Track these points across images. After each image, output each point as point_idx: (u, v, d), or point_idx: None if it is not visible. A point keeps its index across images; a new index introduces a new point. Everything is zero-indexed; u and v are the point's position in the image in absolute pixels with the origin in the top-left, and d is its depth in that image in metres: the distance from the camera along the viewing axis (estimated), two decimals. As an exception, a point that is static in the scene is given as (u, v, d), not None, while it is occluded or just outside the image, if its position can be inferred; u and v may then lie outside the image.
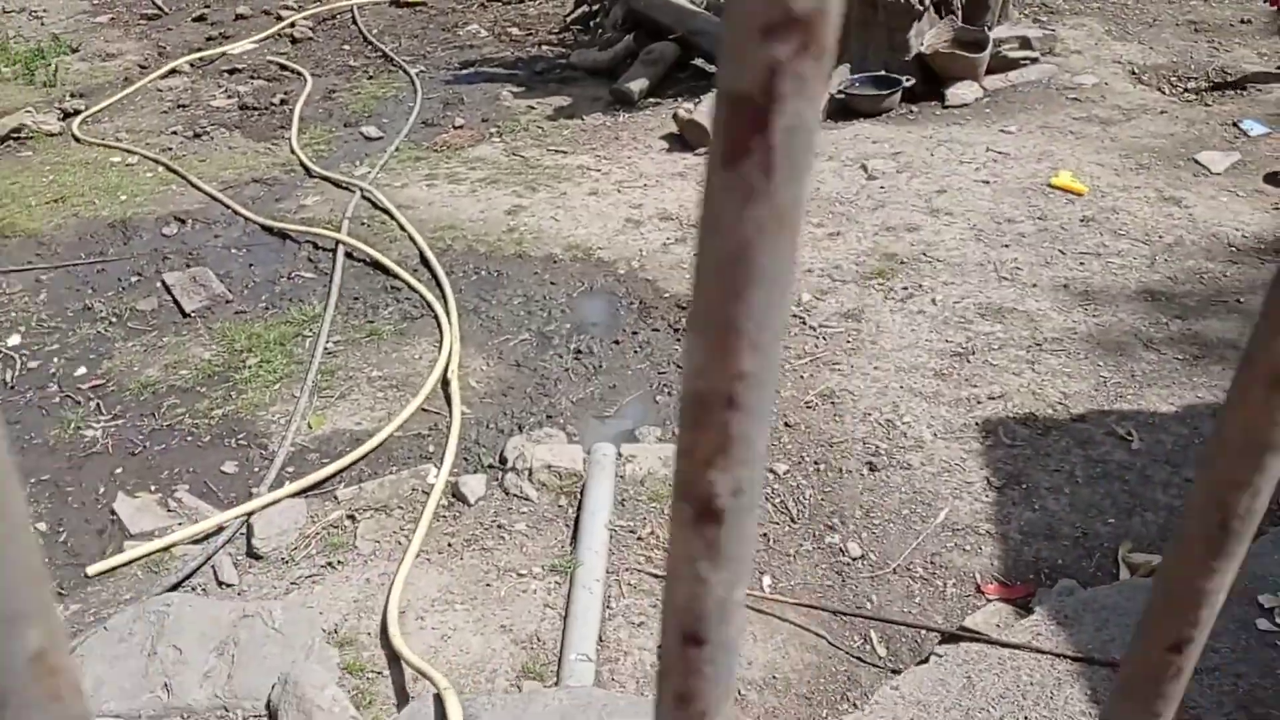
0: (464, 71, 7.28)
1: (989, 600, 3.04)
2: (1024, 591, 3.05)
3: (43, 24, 8.77)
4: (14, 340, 4.45)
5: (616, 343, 4.29)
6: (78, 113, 6.76)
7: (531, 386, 4.06)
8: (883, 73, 6.02)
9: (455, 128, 6.31)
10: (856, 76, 6.08)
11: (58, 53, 7.90)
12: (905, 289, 4.45)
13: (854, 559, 3.24)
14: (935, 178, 5.27)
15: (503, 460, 3.63)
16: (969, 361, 3.98)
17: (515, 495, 3.49)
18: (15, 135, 6.39)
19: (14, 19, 8.85)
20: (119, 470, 3.72)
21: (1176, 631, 0.40)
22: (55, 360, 4.31)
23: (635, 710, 2.61)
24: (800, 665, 2.92)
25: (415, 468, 3.64)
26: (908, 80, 5.93)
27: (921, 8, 5.88)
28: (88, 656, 2.73)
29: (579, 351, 4.23)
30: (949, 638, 2.92)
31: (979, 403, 3.77)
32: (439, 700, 2.56)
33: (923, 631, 2.99)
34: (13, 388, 4.15)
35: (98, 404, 4.06)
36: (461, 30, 8.20)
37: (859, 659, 2.94)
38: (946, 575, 3.15)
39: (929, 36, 5.99)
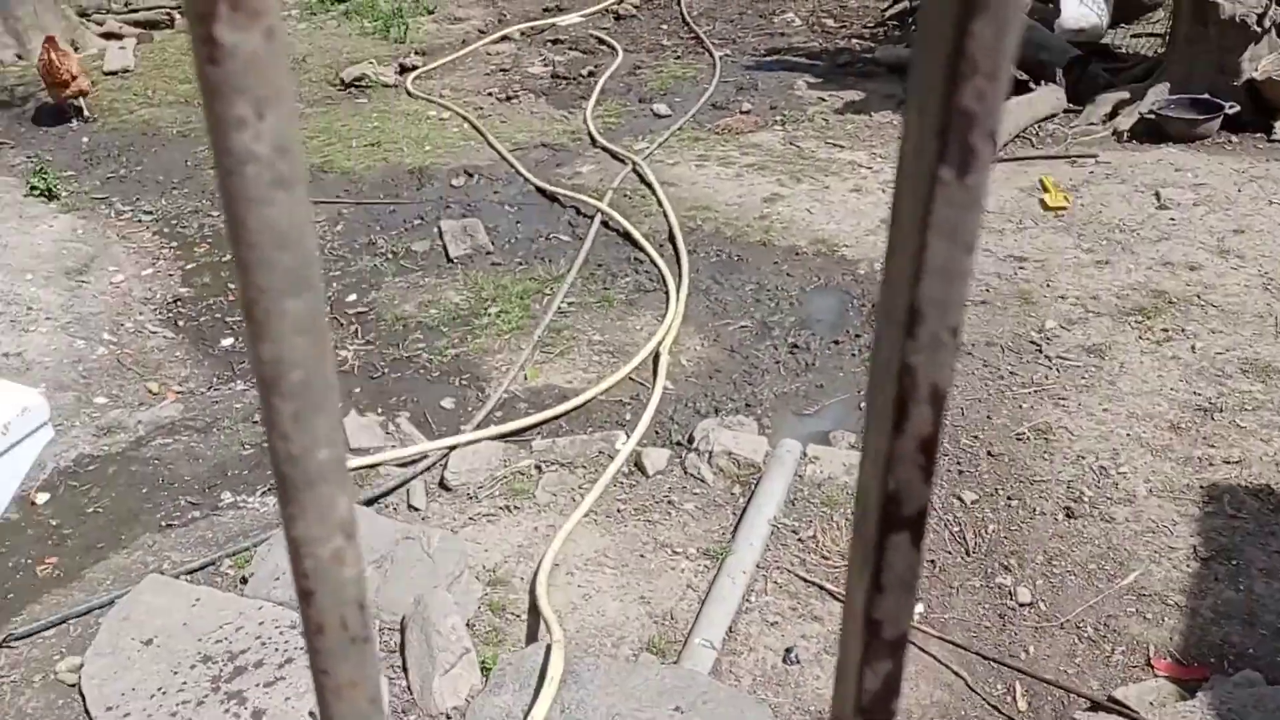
0: (767, 58, 7.32)
1: (1155, 676, 2.76)
2: (1198, 674, 2.74)
3: (409, -14, 9.65)
4: (305, 262, 4.98)
5: (836, 342, 4.22)
6: (414, 68, 7.42)
7: (739, 373, 4.08)
8: (1205, 96, 5.48)
9: (742, 113, 6.38)
10: (1174, 98, 5.57)
11: (415, 14, 8.68)
12: (1165, 331, 4.06)
13: (1021, 605, 3.04)
14: (1235, 215, 4.75)
15: (690, 440, 3.69)
16: (1213, 419, 3.58)
17: (692, 475, 3.54)
18: (357, 83, 7.11)
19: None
20: (357, 390, 4.10)
21: None
22: (334, 285, 4.79)
23: (733, 704, 2.60)
24: (928, 701, 2.79)
25: (608, 432, 3.76)
26: (1231, 106, 5.36)
27: (1260, 30, 5.28)
28: (274, 547, 3.06)
29: (795, 346, 4.19)
30: (1095, 706, 2.68)
31: (1211, 465, 3.40)
32: (549, 651, 2.67)
33: (1071, 695, 2.76)
34: (293, 304, 4.65)
35: (356, 329, 4.49)
36: (777, 18, 8.24)
37: (994, 708, 2.77)
38: (1117, 641, 2.88)
39: (1265, 62, 5.38)
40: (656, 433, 3.79)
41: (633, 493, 3.50)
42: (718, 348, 4.24)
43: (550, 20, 8.45)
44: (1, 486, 1.54)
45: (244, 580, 3.03)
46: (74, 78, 6.29)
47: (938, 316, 0.31)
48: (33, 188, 5.58)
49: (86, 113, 6.57)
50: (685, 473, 3.56)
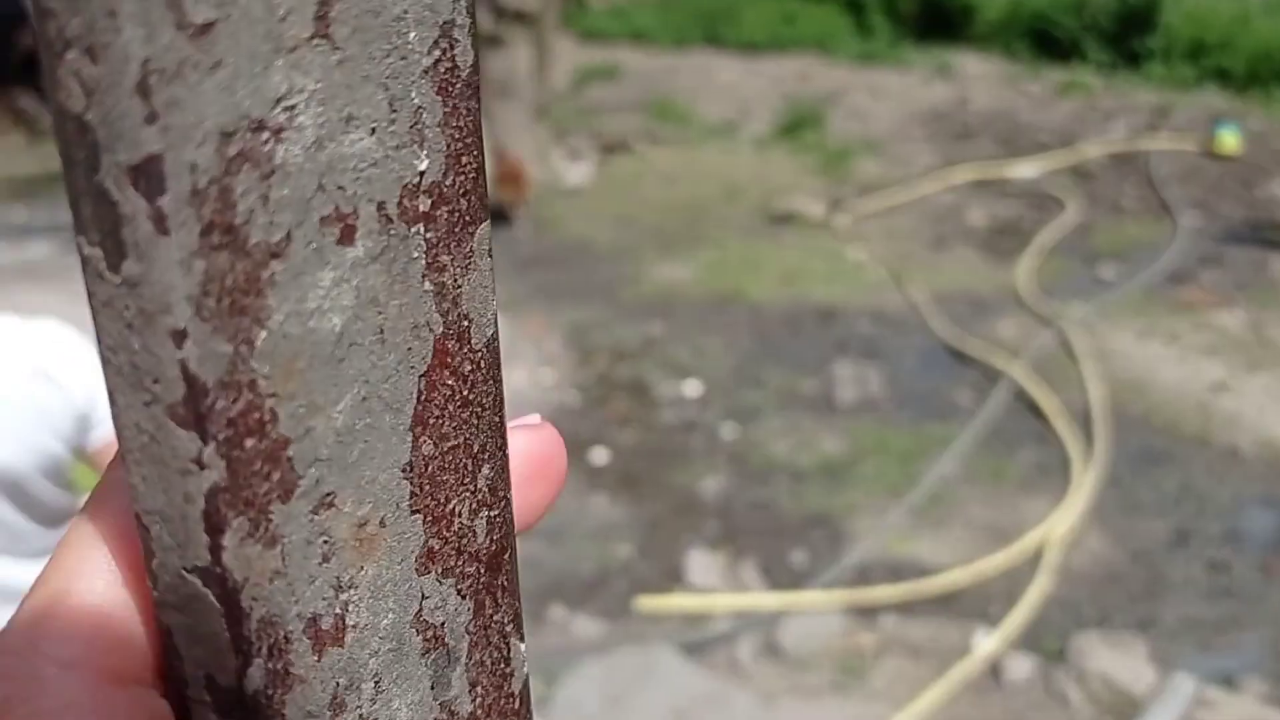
0: (1240, 230, 6.46)
1: None
2: None
3: (865, 127, 9.74)
4: (692, 386, 5.00)
5: (1267, 569, 3.46)
6: (846, 207, 7.38)
7: (1139, 584, 3.45)
8: None
9: (1199, 287, 5.63)
10: None
11: (861, 153, 8.71)
12: None
13: None
14: None
15: (1062, 652, 3.15)
16: None
17: (1056, 695, 3.00)
18: (786, 216, 7.19)
19: (840, 123, 9.95)
20: (712, 523, 3.97)
21: None
22: (710, 415, 4.74)
23: None
24: None
25: (968, 624, 3.32)
26: None
27: None
28: (578, 678, 2.96)
29: (1215, 563, 3.49)
30: None
31: None
32: None
33: None
34: (675, 428, 4.65)
35: (723, 461, 4.38)
36: (1258, 188, 7.29)
37: None
38: None
39: None
40: (1024, 636, 3.28)
41: (980, 701, 3.03)
42: (1119, 550, 3.63)
43: (1002, 170, 8.09)
44: None
45: (544, 702, 2.95)
46: (524, 183, 6.80)
47: None
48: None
49: (520, 220, 7.08)
50: (1047, 690, 3.03)
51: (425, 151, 0.27)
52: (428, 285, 0.28)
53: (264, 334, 0.24)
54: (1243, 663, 3.10)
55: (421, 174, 0.27)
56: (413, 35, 0.26)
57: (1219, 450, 4.11)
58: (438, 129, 0.27)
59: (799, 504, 4.06)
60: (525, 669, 0.34)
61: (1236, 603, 3.33)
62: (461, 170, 0.28)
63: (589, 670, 2.92)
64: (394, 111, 0.26)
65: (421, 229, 0.27)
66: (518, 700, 0.34)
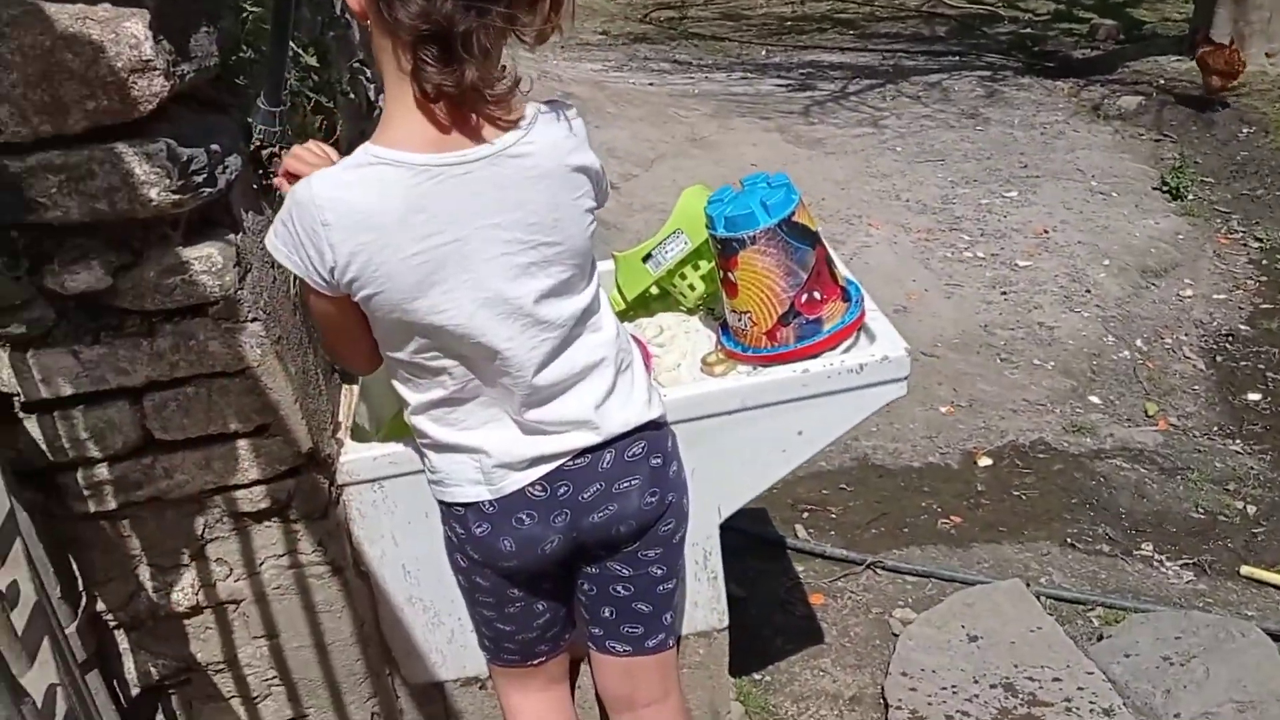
0: None
1: None
2: None
3: None
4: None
5: None
6: None
7: None
8: None
9: None
10: None
11: None
12: None
13: None
14: None
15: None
16: None
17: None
18: None
19: None
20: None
21: None
22: None
23: None
24: None
25: None
26: None
27: None
28: (1153, 623, 2.70)
29: None
30: None
31: None
32: None
33: None
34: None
35: None
36: None
37: None
38: None
39: None
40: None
41: None
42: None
43: None
44: (836, 422, 1.67)
45: (1099, 638, 2.76)
46: (1237, 73, 6.55)
47: None
48: (1164, 183, 5.93)
49: (1224, 118, 6.65)
50: None
51: None
52: None
53: None
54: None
55: None
56: None
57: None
58: None
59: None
60: None
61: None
62: None
63: (1159, 622, 2.71)
64: None
65: None
66: None
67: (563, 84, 6.77)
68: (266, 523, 1.68)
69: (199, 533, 1.66)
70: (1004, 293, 4.94)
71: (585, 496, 1.55)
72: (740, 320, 1.90)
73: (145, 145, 1.40)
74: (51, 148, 1.39)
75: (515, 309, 1.43)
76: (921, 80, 8.51)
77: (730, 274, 1.87)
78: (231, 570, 1.70)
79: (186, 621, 1.73)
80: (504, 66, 1.34)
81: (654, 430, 1.60)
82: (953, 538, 3.30)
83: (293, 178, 1.48)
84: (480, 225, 1.38)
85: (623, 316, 2.17)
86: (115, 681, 1.74)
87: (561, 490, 1.54)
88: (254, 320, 1.54)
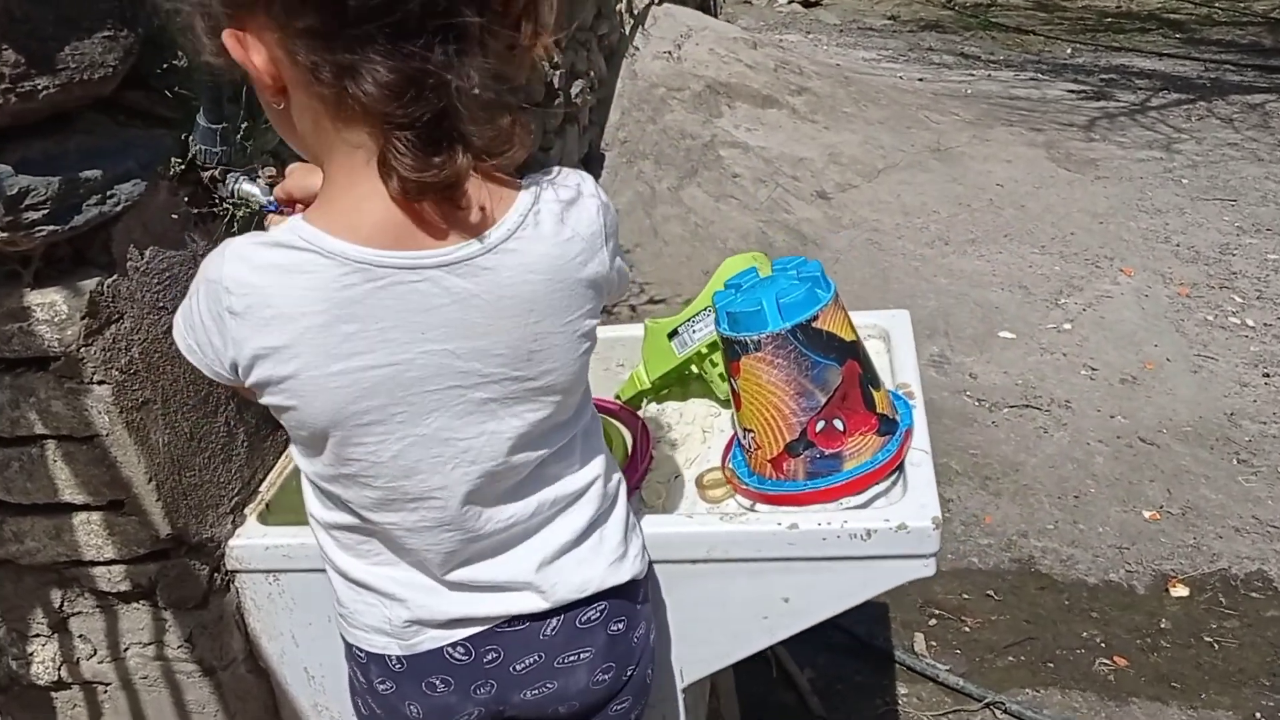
0: None
1: None
2: None
3: None
4: None
5: None
6: None
7: None
8: None
9: None
10: None
11: None
12: None
13: None
14: None
15: None
16: None
17: None
18: None
19: None
20: None
21: None
22: None
23: None
24: None
25: None
26: None
27: None
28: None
29: None
30: None
31: None
32: None
33: None
34: None
35: None
36: None
37: None
38: None
39: None
40: None
41: None
42: None
43: None
44: (833, 595, 1.37)
45: None
46: None
47: None
48: None
49: None
50: None
51: None
52: None
53: None
54: None
55: None
56: None
57: None
58: None
59: None
60: None
61: None
62: None
63: None
64: None
65: None
66: None
67: (801, 76, 6.31)
68: (135, 604, 1.46)
69: (57, 605, 1.46)
70: (1266, 375, 4.11)
71: (518, 669, 1.21)
72: (746, 439, 1.49)
73: (-37, 173, 1.18)
74: (-126, 165, 1.19)
75: (458, 452, 1.08)
76: (1241, 100, 7.40)
77: (734, 381, 1.46)
78: (95, 650, 1.49)
79: (54, 694, 1.54)
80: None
81: (622, 592, 1.24)
82: (1109, 685, 2.69)
83: (290, 206, 1.22)
84: (427, 349, 1.02)
85: (644, 396, 1.81)
86: (-16, 741, 1.58)
87: (489, 657, 1.20)
88: (100, 383, 1.30)
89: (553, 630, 1.20)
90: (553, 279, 1.03)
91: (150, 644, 1.47)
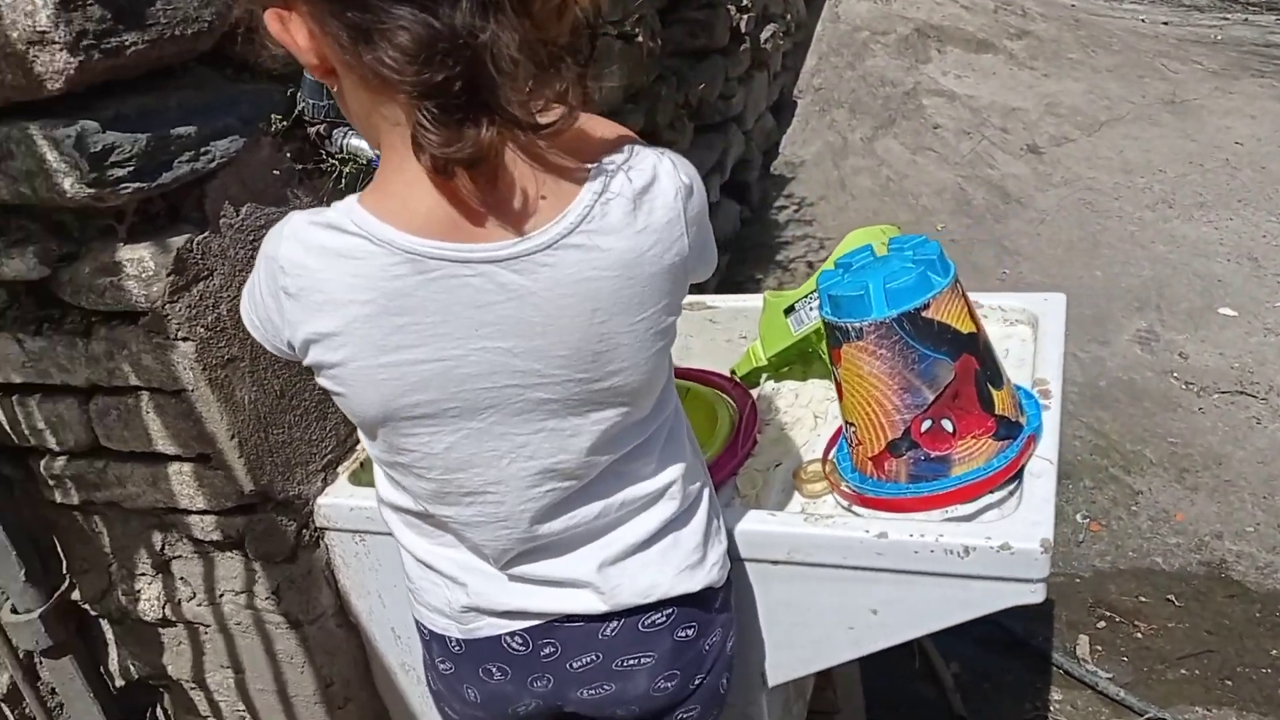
0: None
1: None
2: None
3: None
4: None
5: None
6: None
7: None
8: None
9: None
10: None
11: None
12: None
13: None
14: None
15: None
16: None
17: None
18: None
19: None
20: None
21: None
22: None
23: None
24: None
25: None
26: None
27: None
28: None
29: None
30: None
31: None
32: None
33: None
34: None
35: None
36: None
37: None
38: None
39: None
40: None
41: None
42: None
43: None
44: (929, 614, 1.31)
45: None
46: None
47: None
48: None
49: None
50: None
51: None
52: None
53: None
54: None
55: None
56: None
57: None
58: None
59: None
60: None
61: None
62: None
63: None
64: None
65: None
66: None
67: (1024, 19, 5.86)
68: (228, 553, 1.49)
69: (159, 548, 1.51)
70: None
71: (575, 666, 1.15)
72: (849, 431, 1.37)
73: (54, 129, 1.20)
74: (-24, 119, 1.23)
75: (514, 447, 1.01)
76: None
77: (836, 370, 1.34)
78: (195, 594, 1.53)
79: (161, 630, 1.60)
80: (556, 99, 0.88)
81: (694, 599, 1.16)
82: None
83: None
84: (481, 346, 0.95)
85: (761, 373, 1.70)
86: (102, 670, 1.67)
87: (546, 650, 1.15)
88: (185, 339, 1.31)
89: (612, 631, 1.13)
90: (622, 275, 0.93)
91: (242, 592, 1.50)
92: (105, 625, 1.64)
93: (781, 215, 4.37)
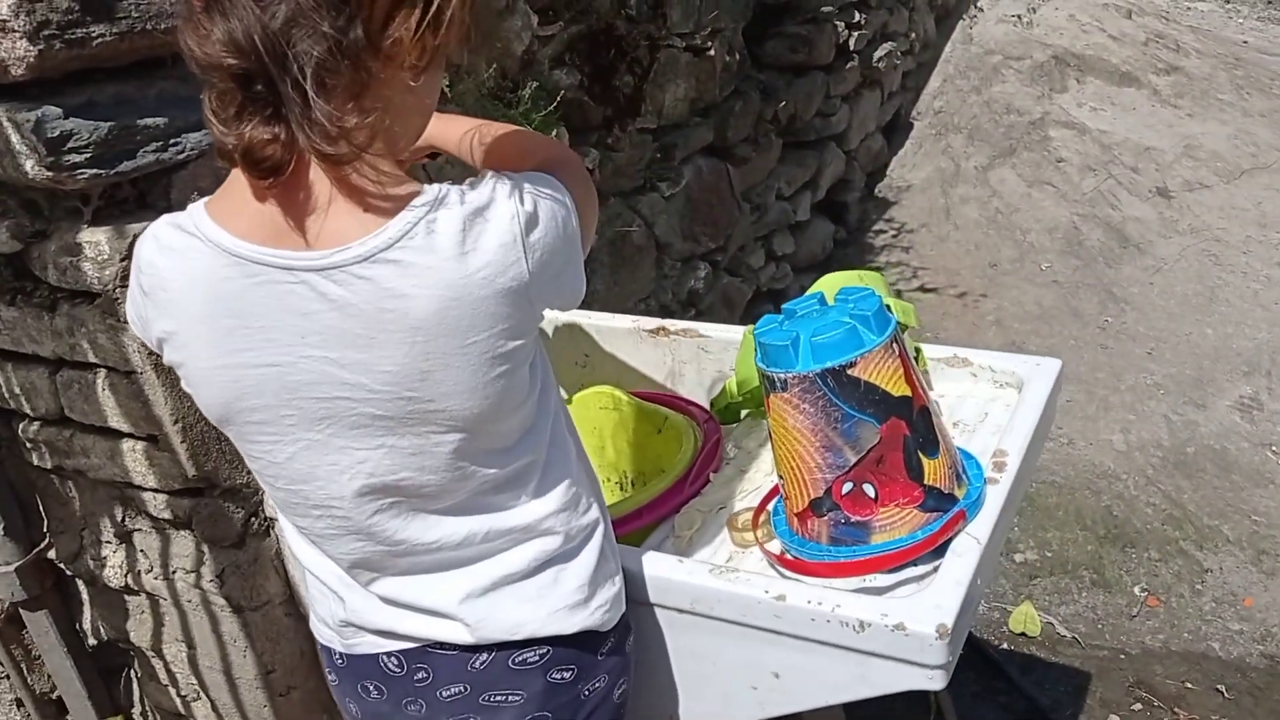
0: None
1: None
2: None
3: None
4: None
5: None
6: None
7: None
8: None
9: None
10: None
11: None
12: None
13: None
14: None
15: None
16: None
17: None
18: None
19: None
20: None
21: None
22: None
23: None
24: None
25: None
26: None
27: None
28: None
29: None
30: None
31: None
32: None
33: None
34: None
35: None
36: None
37: None
38: None
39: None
40: None
41: None
42: None
43: None
44: (827, 684, 1.26)
45: None
46: None
47: None
48: None
49: None
50: None
51: None
52: None
53: None
54: None
55: None
56: None
57: None
58: None
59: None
60: None
61: None
62: None
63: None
64: None
65: None
66: None
67: (1176, 53, 5.53)
68: (181, 531, 1.53)
69: (120, 518, 1.56)
70: None
71: (444, 695, 1.13)
72: (781, 484, 1.31)
73: (16, 112, 1.25)
74: (-45, 97, 1.30)
75: (354, 463, 1.00)
76: None
77: (768, 419, 1.28)
78: (152, 567, 1.58)
79: (126, 598, 1.66)
80: (361, 119, 0.88)
81: (574, 640, 1.13)
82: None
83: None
84: (308, 354, 0.94)
85: (741, 409, 1.65)
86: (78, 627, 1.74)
87: (419, 675, 1.14)
88: (134, 324, 1.35)
89: (482, 664, 1.11)
90: (445, 295, 0.92)
91: (191, 571, 1.54)
92: (80, 585, 1.70)
93: (879, 240, 4.25)
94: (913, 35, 4.60)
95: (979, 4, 5.35)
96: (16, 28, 1.20)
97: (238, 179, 0.94)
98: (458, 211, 0.92)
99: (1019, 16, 5.36)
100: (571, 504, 1.11)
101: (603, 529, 1.16)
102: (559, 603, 1.11)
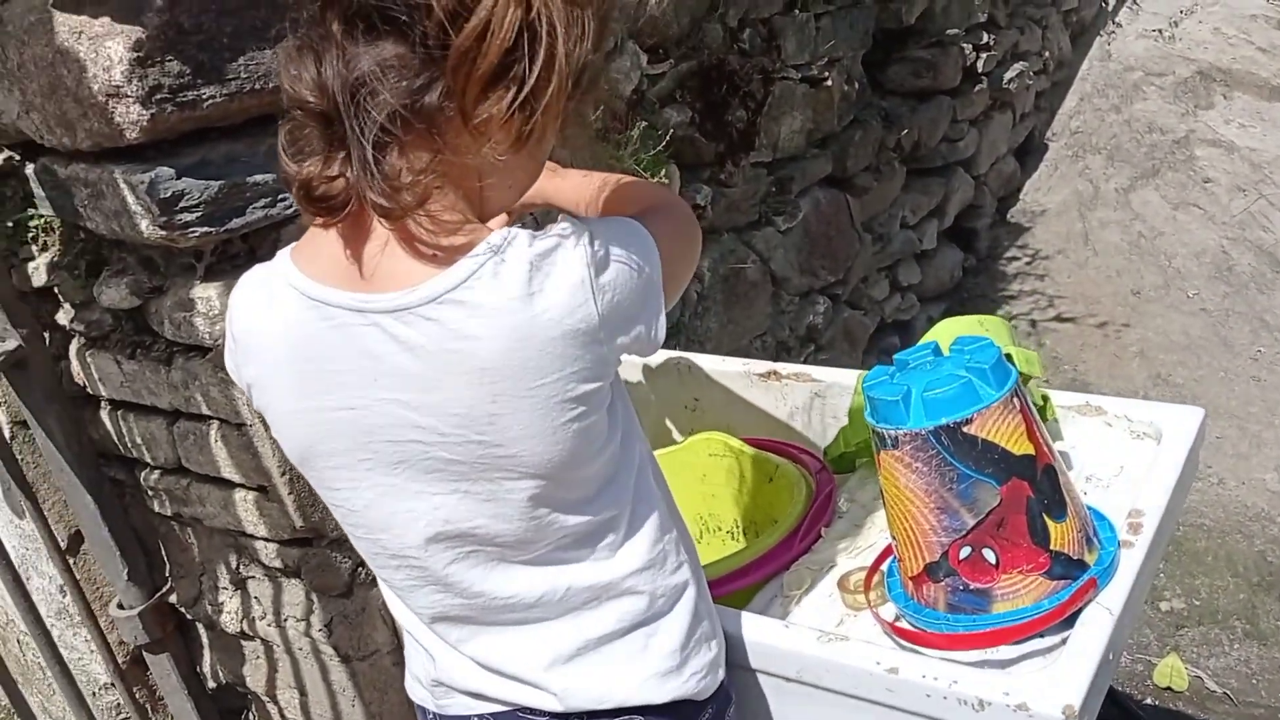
0: None
1: None
2: None
3: None
4: None
5: None
6: None
7: None
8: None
9: None
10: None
11: None
12: None
13: None
14: None
15: None
16: None
17: None
18: None
19: None
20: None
21: None
22: None
23: None
24: None
25: None
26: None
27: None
28: None
29: None
30: None
31: None
32: None
33: None
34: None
35: None
36: None
37: None
38: None
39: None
40: None
41: None
42: None
43: None
44: None
45: None
46: None
47: None
48: None
49: None
50: None
51: None
52: None
53: None
54: None
55: None
56: None
57: None
58: None
59: None
60: None
61: None
62: None
63: None
64: None
65: None
66: None
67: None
68: (293, 580, 1.55)
69: (235, 565, 1.59)
70: None
71: None
72: (895, 545, 1.24)
73: (132, 174, 1.28)
74: (81, 161, 1.34)
75: (430, 509, 0.98)
76: None
77: (879, 476, 1.22)
78: (265, 614, 1.60)
79: (242, 642, 1.68)
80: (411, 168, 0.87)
81: (666, 710, 1.08)
82: None
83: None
84: (380, 397, 0.93)
85: (856, 458, 1.58)
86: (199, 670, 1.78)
87: None
88: (244, 378, 1.37)
89: None
90: (512, 337, 0.89)
91: (301, 620, 1.55)
92: (200, 629, 1.74)
93: (1011, 267, 4.08)
94: (1046, 54, 4.43)
95: (1117, 19, 5.13)
96: (130, 93, 1.23)
97: (313, 229, 0.95)
98: (525, 254, 0.89)
99: (1160, 31, 5.12)
100: (658, 562, 1.07)
101: (695, 589, 1.11)
102: (649, 669, 1.06)
